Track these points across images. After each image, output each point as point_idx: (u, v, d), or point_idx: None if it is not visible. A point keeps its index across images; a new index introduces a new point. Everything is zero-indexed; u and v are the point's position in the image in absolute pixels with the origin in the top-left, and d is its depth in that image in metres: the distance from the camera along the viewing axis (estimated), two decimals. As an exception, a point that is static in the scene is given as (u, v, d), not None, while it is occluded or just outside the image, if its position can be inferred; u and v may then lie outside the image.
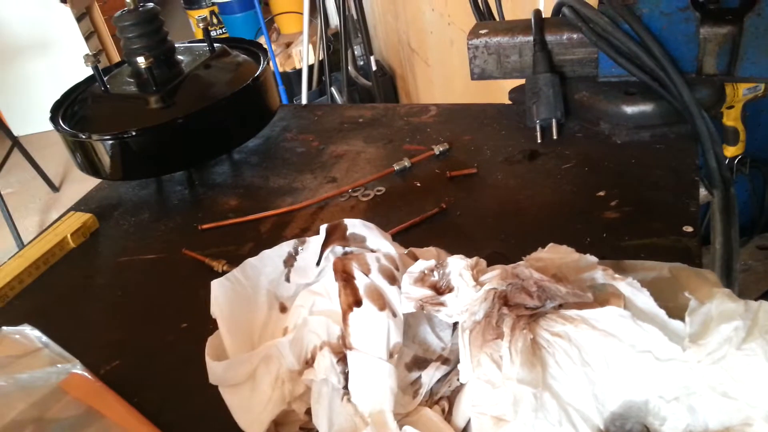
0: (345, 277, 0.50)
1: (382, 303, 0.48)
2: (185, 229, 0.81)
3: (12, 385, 0.61)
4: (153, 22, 0.86)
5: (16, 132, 3.48)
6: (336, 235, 0.55)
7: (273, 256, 0.59)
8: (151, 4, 0.87)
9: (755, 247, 1.28)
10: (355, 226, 0.55)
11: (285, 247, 0.59)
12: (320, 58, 2.98)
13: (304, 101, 2.80)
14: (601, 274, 0.48)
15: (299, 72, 3.00)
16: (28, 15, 3.73)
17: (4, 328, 0.67)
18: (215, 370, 0.52)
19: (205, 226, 0.80)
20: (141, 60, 0.82)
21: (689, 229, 0.64)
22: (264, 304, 0.57)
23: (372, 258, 0.51)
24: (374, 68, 2.65)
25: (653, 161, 0.75)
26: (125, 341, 0.66)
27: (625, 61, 0.77)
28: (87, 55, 0.86)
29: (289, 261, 0.58)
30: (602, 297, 0.46)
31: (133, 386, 0.60)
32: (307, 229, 0.76)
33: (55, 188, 3.33)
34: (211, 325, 0.64)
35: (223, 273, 0.70)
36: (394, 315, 0.48)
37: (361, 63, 2.96)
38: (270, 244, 0.74)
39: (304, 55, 2.82)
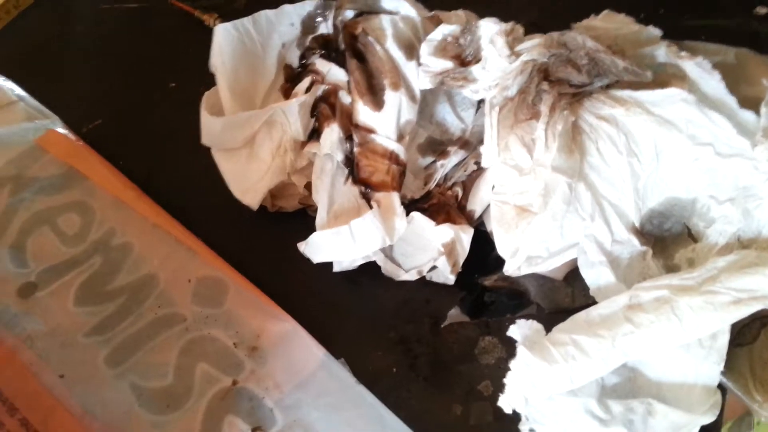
0: (355, 47, 0.41)
1: (397, 80, 0.41)
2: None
3: (-15, 140, 0.55)
4: None
5: None
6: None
7: (292, 14, 0.49)
8: None
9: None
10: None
11: (307, 6, 0.49)
12: None
13: None
14: (664, 51, 0.40)
15: None
16: None
17: (-26, 77, 0.60)
18: (212, 127, 0.46)
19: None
20: None
21: (762, 10, 0.55)
22: (272, 66, 0.49)
23: (387, 22, 0.42)
24: None
25: None
26: (107, 98, 0.60)
27: None
28: None
29: (309, 23, 0.49)
30: (662, 78, 0.39)
31: (118, 148, 0.54)
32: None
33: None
34: (203, 87, 0.56)
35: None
36: (411, 95, 0.41)
37: None
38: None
39: None
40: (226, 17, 0.62)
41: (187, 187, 0.51)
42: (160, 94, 0.58)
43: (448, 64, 0.41)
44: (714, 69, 0.39)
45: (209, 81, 0.54)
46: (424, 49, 0.43)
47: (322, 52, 0.48)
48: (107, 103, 0.59)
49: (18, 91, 0.60)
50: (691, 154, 0.36)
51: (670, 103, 0.36)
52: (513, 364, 0.33)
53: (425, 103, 0.46)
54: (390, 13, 0.45)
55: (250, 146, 0.46)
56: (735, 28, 0.54)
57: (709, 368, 0.33)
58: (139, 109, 0.57)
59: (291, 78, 0.48)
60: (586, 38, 0.36)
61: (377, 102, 0.42)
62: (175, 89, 0.58)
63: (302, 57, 0.49)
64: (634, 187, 0.36)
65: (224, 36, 0.47)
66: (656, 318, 0.31)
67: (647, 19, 0.55)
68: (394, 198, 0.41)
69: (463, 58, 0.43)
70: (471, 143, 0.45)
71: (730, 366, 0.34)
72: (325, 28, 0.48)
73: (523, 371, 0.33)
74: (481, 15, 0.52)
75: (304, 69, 0.47)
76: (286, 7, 0.49)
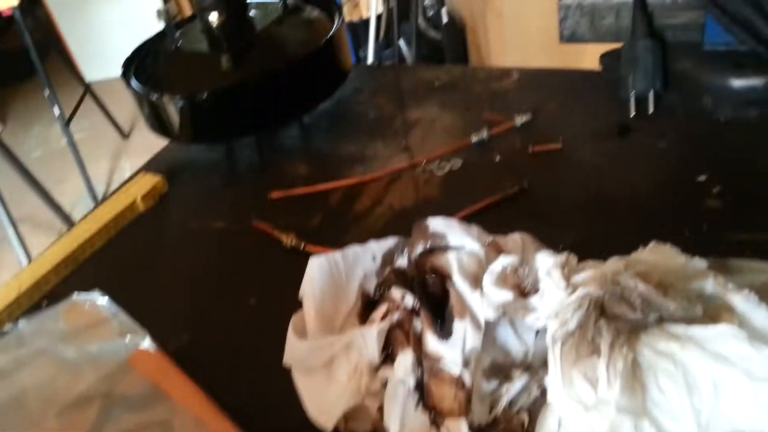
0: (424, 280, 0.46)
1: (462, 310, 0.45)
2: (254, 196, 0.79)
3: (81, 357, 0.61)
4: (226, -23, 0.82)
5: (87, 78, 3.55)
6: (417, 234, 0.51)
7: (375, 249, 0.57)
8: (224, -42, 0.83)
9: None
10: (436, 223, 0.51)
11: (389, 242, 0.57)
12: (389, 8, 2.89)
13: (370, 53, 2.73)
14: (711, 283, 0.43)
15: (366, 22, 2.91)
16: (100, -40, 3.75)
17: (75, 295, 0.67)
18: (297, 350, 0.51)
19: (274, 195, 0.77)
20: (213, 17, 0.79)
21: (802, 223, 0.58)
22: (353, 293, 0.55)
23: (453, 257, 0.47)
24: (445, 20, 2.55)
25: (761, 144, 0.67)
26: (193, 314, 0.65)
27: (737, 28, 0.69)
28: (159, 10, 0.83)
29: (388, 257, 0.55)
30: (712, 311, 0.41)
31: (200, 365, 0.58)
32: (379, 202, 0.73)
33: (124, 135, 3.39)
34: (281, 305, 0.62)
35: (291, 247, 0.68)
36: (476, 324, 0.45)
37: (431, 14, 2.85)
38: (340, 216, 0.72)
39: (373, 4, 2.73)
40: (302, 236, 0.69)
41: (263, 406, 0.54)
42: (241, 312, 0.63)
43: (509, 296, 0.45)
44: (760, 299, 0.41)
45: (287, 299, 0.60)
46: (486, 280, 0.47)
47: (398, 282, 0.53)
48: (193, 320, 0.64)
49: (113, 308, 0.66)
50: (749, 388, 0.37)
51: (722, 340, 0.38)
52: None
53: (487, 326, 0.49)
54: (456, 248, 0.50)
55: (329, 368, 0.50)
56: (779, 242, 0.57)
57: None
58: (222, 326, 0.62)
59: (368, 305, 0.53)
60: (638, 281, 0.40)
61: (444, 331, 0.46)
62: (254, 307, 0.64)
63: (379, 286, 0.54)
64: (697, 422, 0.38)
65: (317, 268, 0.54)
66: None
67: (692, 236, 0.59)
68: (462, 426, 0.43)
69: (523, 288, 0.47)
70: (534, 367, 0.47)
71: None
72: (401, 261, 0.54)
73: None
74: (533, 232, 0.57)
75: (381, 297, 0.52)
76: (371, 243, 0.56)
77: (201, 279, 0.69)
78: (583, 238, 0.61)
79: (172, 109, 0.81)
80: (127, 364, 0.60)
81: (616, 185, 0.67)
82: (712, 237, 0.58)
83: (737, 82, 0.71)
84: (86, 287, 0.67)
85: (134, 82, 0.85)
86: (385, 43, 2.90)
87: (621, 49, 0.78)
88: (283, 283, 0.65)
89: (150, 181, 0.82)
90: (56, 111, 2.78)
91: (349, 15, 3.13)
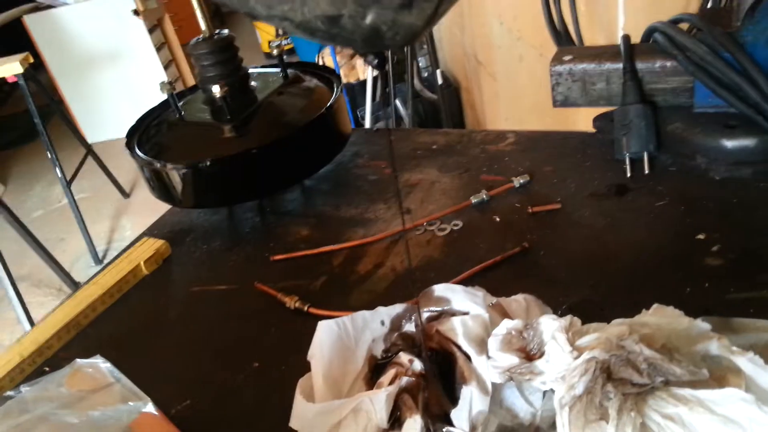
0: (431, 346, 0.47)
1: (469, 374, 0.45)
2: (257, 259, 0.80)
3: (84, 423, 0.60)
4: (228, 50, 0.85)
5: (89, 139, 3.60)
6: (423, 301, 0.52)
7: (384, 314, 0.58)
8: (226, 32, 0.86)
9: None
10: (440, 289, 0.52)
11: (397, 308, 0.57)
12: (385, 69, 2.96)
13: (367, 114, 2.78)
14: (716, 345, 0.43)
15: (363, 83, 2.99)
16: (102, 26, 3.86)
17: (78, 360, 0.66)
18: (305, 413, 0.50)
19: (276, 258, 0.78)
20: (216, 89, 0.81)
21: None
22: (362, 357, 0.55)
23: (458, 322, 0.48)
24: (440, 81, 2.61)
25: (757, 202, 0.68)
26: (197, 379, 0.65)
27: (725, 93, 0.71)
28: (163, 83, 0.86)
29: (397, 322, 0.56)
30: (718, 373, 0.42)
31: (205, 430, 0.58)
32: (381, 264, 0.74)
33: (125, 194, 3.42)
34: (283, 367, 0.62)
35: (296, 309, 0.69)
36: (482, 387, 0.45)
37: (426, 75, 2.93)
38: (343, 278, 0.73)
39: (369, 67, 2.80)
40: (305, 298, 0.69)
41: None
42: (244, 375, 0.63)
43: (514, 360, 0.46)
44: (761, 357, 0.41)
45: (291, 362, 0.60)
46: (491, 344, 0.47)
47: (406, 347, 0.53)
48: (196, 383, 0.64)
49: (116, 372, 0.65)
50: (760, 451, 0.37)
51: (730, 403, 0.38)
52: None
53: (494, 388, 0.49)
54: (462, 313, 0.50)
55: (337, 430, 0.49)
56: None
57: None
58: (225, 389, 0.62)
59: (374, 368, 0.53)
60: (643, 347, 0.40)
61: (452, 396, 0.46)
62: (258, 369, 0.63)
63: (386, 350, 0.54)
64: (710, 486, 0.37)
65: (326, 331, 0.54)
66: None
67: (694, 294, 0.60)
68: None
69: (528, 351, 0.47)
70: (542, 429, 0.47)
71: None
72: (409, 326, 0.55)
73: None
74: (535, 291, 0.57)
75: (389, 361, 0.52)
76: (380, 309, 0.58)
77: (204, 342, 0.69)
78: (585, 297, 0.62)
79: (176, 177, 0.82)
80: (130, 430, 0.59)
81: (615, 245, 0.68)
82: (714, 295, 0.59)
83: (729, 143, 0.73)
84: (89, 352, 0.67)
85: (138, 151, 0.87)
86: (382, 103, 2.97)
87: (613, 112, 0.80)
88: (286, 347, 0.65)
89: (153, 245, 0.83)
90: (58, 172, 2.81)
91: (345, 77, 3.21)
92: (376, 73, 2.95)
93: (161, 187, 0.85)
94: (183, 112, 0.88)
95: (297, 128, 0.82)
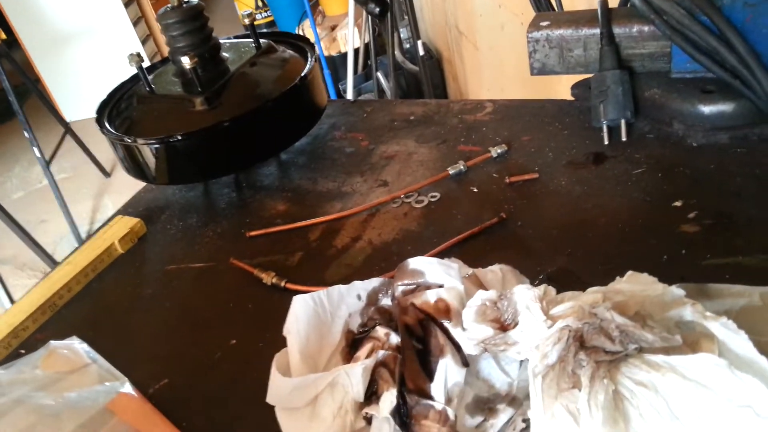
0: (405, 320, 0.46)
1: (444, 347, 0.45)
2: (233, 235, 0.79)
3: (61, 404, 0.59)
4: (197, 19, 0.82)
5: (68, 118, 3.54)
6: (399, 274, 0.52)
7: (360, 288, 0.57)
8: (195, 0, 0.83)
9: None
10: (414, 262, 0.52)
11: (373, 282, 0.57)
12: (366, 42, 2.93)
13: (349, 86, 2.75)
14: (690, 311, 0.43)
15: (344, 56, 2.95)
16: (77, 1, 3.77)
17: (53, 342, 0.66)
18: (281, 388, 0.50)
19: (252, 233, 0.77)
20: (186, 60, 0.79)
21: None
22: (338, 332, 0.55)
23: (433, 295, 0.47)
24: (421, 53, 2.58)
25: (734, 167, 0.68)
26: (173, 357, 0.64)
27: (703, 57, 0.70)
28: (131, 54, 0.83)
29: (373, 296, 0.56)
30: (691, 339, 0.42)
31: (182, 408, 0.58)
32: (358, 237, 0.73)
33: (106, 173, 3.38)
34: (261, 343, 0.61)
35: (272, 285, 0.68)
36: (457, 360, 0.45)
37: (408, 46, 2.89)
38: (320, 253, 0.72)
39: (350, 39, 2.76)
40: (282, 275, 0.69)
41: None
42: (221, 352, 0.62)
43: (489, 331, 0.45)
44: (734, 321, 0.41)
45: (268, 338, 0.59)
46: (466, 316, 0.47)
47: (382, 321, 0.53)
48: (173, 362, 0.63)
49: (92, 353, 0.65)
50: (732, 415, 0.37)
51: (703, 368, 0.38)
52: None
53: (470, 360, 0.49)
54: (437, 286, 0.50)
55: (313, 405, 0.49)
56: (757, 265, 0.57)
57: None
58: (203, 367, 0.61)
59: (352, 343, 0.53)
60: (615, 314, 0.40)
61: (428, 369, 0.46)
62: (235, 346, 0.63)
63: (363, 325, 0.54)
64: (682, 451, 0.37)
65: (301, 306, 0.54)
66: None
67: (671, 261, 0.59)
68: (448, 464, 0.42)
69: (503, 321, 0.46)
70: (518, 399, 0.47)
71: None
72: (386, 300, 0.54)
73: None
74: (512, 262, 0.57)
75: (365, 335, 0.52)
76: (356, 283, 0.57)
77: (181, 320, 0.69)
78: (562, 266, 0.62)
79: (147, 153, 0.80)
80: (107, 410, 0.59)
81: (593, 213, 0.67)
82: (690, 262, 0.59)
83: (706, 109, 0.72)
84: (64, 333, 0.66)
85: (109, 126, 0.85)
86: (364, 76, 2.94)
87: (591, 79, 0.79)
88: (263, 323, 0.64)
89: (127, 223, 0.82)
90: (37, 152, 2.77)
91: (327, 49, 3.17)
92: (357, 44, 2.92)
93: (134, 164, 0.83)
94: (153, 85, 0.85)
95: (270, 99, 0.80)
